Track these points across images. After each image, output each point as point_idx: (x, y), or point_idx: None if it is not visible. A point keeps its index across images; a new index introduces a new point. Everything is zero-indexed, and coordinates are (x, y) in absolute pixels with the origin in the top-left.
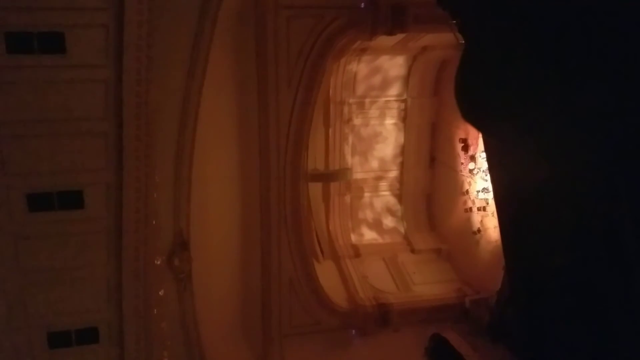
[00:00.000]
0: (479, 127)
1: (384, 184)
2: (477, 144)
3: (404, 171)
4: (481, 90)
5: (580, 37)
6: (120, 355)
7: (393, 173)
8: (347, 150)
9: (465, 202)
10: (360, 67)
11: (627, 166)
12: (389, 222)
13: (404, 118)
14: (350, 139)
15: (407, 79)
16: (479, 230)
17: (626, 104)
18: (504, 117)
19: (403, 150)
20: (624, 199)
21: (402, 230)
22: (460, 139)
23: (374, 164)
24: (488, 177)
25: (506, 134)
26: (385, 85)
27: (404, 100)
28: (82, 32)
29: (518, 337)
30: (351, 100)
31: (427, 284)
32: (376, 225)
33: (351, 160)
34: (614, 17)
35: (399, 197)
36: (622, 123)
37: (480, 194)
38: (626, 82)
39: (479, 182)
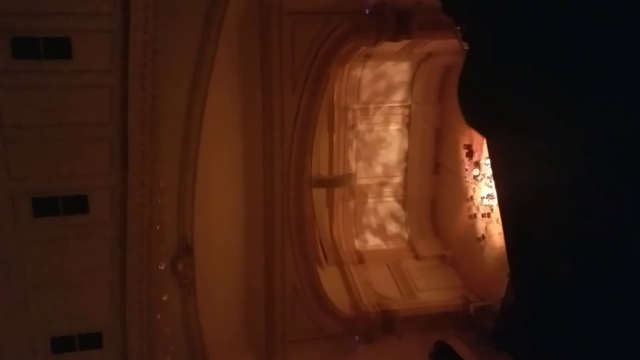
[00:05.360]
0: (483, 132)
1: (388, 190)
2: (481, 150)
3: (408, 177)
4: (484, 95)
5: (581, 40)
6: None
7: (397, 179)
8: (351, 155)
9: (469, 209)
10: (364, 73)
11: (632, 171)
12: (393, 228)
13: (408, 124)
14: (355, 144)
15: (411, 85)
16: (483, 237)
17: (630, 107)
18: (508, 122)
19: (407, 156)
20: (629, 204)
21: (406, 236)
22: (464, 145)
23: (378, 169)
24: (492, 184)
25: (510, 139)
26: (389, 91)
27: (409, 106)
28: (88, 38)
29: (523, 344)
30: (355, 106)
31: (431, 291)
32: (380, 231)
33: (355, 165)
34: (613, 19)
35: (403, 203)
36: (626, 127)
37: (484, 200)
38: (629, 85)
39: (483, 189)
